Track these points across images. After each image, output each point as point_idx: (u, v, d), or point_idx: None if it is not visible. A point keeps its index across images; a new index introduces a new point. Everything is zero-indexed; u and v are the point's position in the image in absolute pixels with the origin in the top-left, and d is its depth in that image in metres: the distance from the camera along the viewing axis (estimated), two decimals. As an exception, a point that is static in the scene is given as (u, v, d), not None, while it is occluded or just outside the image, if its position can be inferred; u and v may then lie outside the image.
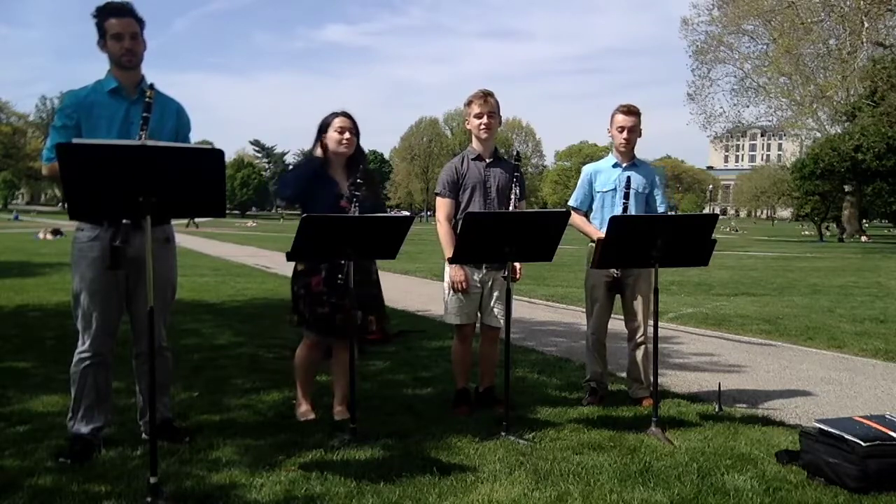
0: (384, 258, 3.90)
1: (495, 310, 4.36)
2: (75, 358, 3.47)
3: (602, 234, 4.31)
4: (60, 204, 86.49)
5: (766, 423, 4.14)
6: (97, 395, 3.47)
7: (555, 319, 8.84)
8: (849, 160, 35.99)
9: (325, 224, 3.63)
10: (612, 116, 4.71)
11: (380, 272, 4.28)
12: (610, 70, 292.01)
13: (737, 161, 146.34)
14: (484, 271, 4.32)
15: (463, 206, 4.32)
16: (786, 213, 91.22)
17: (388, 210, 4.47)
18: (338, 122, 4.06)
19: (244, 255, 21.88)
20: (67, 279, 4.99)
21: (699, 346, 7.04)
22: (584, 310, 4.93)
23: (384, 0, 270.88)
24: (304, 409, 4.14)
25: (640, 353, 4.68)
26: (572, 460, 3.42)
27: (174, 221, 3.66)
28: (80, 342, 3.47)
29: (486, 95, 4.31)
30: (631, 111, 4.66)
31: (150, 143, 3.05)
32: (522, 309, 9.09)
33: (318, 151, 4.10)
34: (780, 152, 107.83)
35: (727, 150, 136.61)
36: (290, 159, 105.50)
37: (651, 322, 4.27)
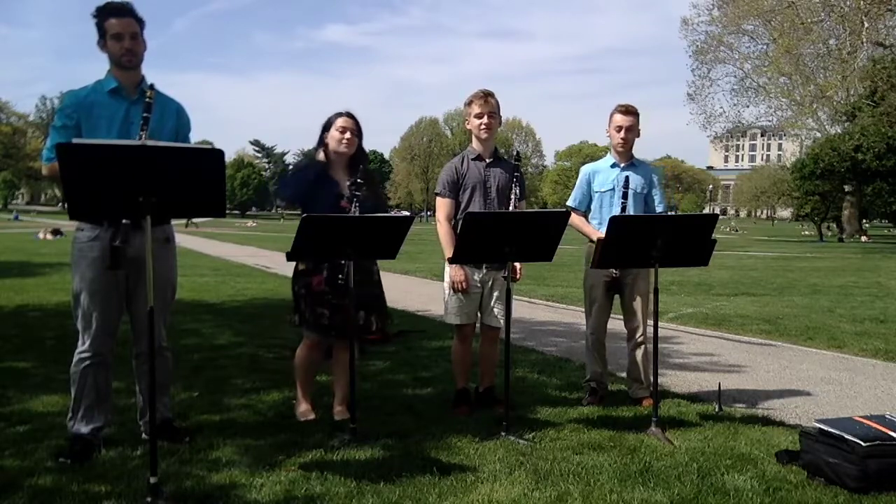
0: (384, 258, 3.90)
1: (495, 310, 4.36)
2: (75, 358, 3.47)
3: (601, 234, 4.32)
4: (60, 204, 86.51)
5: (766, 423, 4.14)
6: (97, 395, 3.47)
7: (555, 319, 8.84)
8: (849, 160, 36.00)
9: (325, 224, 3.63)
10: (611, 116, 4.71)
11: (380, 272, 4.28)
12: (610, 70, 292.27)
13: (737, 161, 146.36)
14: (484, 271, 4.32)
15: (463, 206, 4.32)
16: (786, 213, 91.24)
17: (390, 210, 4.45)
18: (340, 122, 4.08)
19: (244, 255, 21.89)
20: (67, 279, 4.99)
21: (699, 346, 7.04)
22: (584, 310, 4.93)
23: (384, 0, 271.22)
24: (303, 409, 4.14)
25: (639, 353, 4.68)
26: (572, 460, 3.42)
27: (174, 221, 3.66)
28: (80, 342, 3.47)
29: (486, 96, 4.31)
30: (629, 111, 4.66)
31: (151, 143, 3.05)
32: (522, 309, 9.09)
33: (321, 155, 4.11)
34: (780, 152, 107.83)
35: (727, 150, 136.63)
36: (290, 159, 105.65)
37: (650, 322, 4.27)
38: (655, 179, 4.80)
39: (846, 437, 3.14)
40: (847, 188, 43.82)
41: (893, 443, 3.13)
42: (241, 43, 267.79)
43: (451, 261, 4.09)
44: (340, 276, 3.82)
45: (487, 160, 4.37)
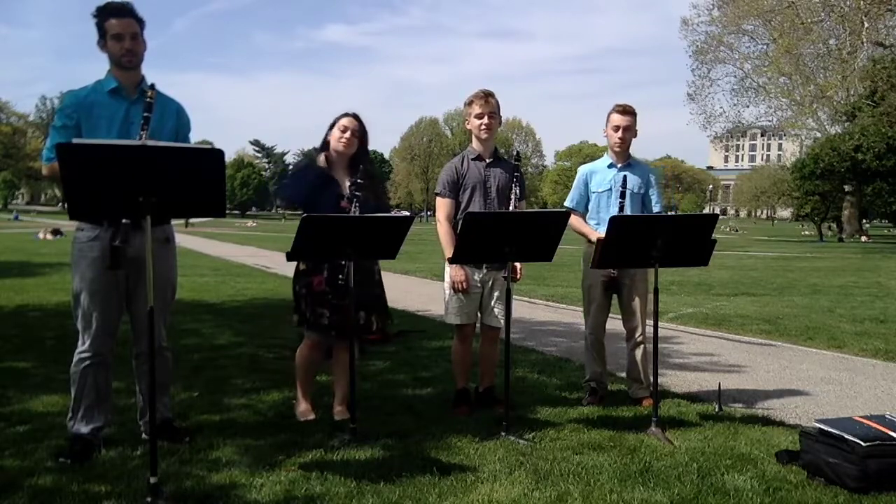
0: (384, 258, 3.91)
1: (495, 310, 4.36)
2: (75, 358, 3.47)
3: (600, 234, 4.32)
4: (60, 204, 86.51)
5: (766, 423, 4.14)
6: (97, 395, 3.47)
7: (555, 319, 8.84)
8: (849, 160, 35.99)
9: (325, 224, 3.63)
10: (608, 116, 4.71)
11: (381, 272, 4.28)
12: (610, 70, 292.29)
13: (737, 161, 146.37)
14: (484, 271, 4.32)
15: (463, 206, 4.32)
16: (786, 213, 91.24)
17: (391, 210, 4.44)
18: (343, 122, 4.09)
19: (244, 255, 21.89)
20: (67, 279, 4.99)
21: (699, 346, 7.04)
22: (583, 310, 4.93)
23: (384, 0, 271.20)
24: (303, 409, 4.14)
25: (639, 353, 4.68)
26: (572, 460, 3.42)
27: (173, 222, 3.66)
28: (80, 342, 3.47)
29: (486, 96, 4.31)
30: (626, 111, 4.66)
31: (151, 143, 3.05)
32: (522, 309, 9.09)
33: (321, 159, 4.09)
34: (780, 152, 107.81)
35: (727, 150, 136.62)
36: (290, 159, 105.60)
37: (649, 322, 4.27)
38: (653, 179, 4.80)
39: (846, 437, 3.14)
40: (847, 188, 43.83)
41: (893, 443, 3.13)
42: (241, 43, 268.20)
43: (452, 261, 4.09)
44: (341, 276, 3.82)
45: (487, 160, 4.37)
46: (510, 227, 3.88)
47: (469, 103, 4.37)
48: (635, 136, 4.72)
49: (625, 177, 4.58)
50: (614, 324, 4.87)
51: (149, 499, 2.78)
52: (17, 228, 44.79)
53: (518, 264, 4.30)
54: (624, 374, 4.92)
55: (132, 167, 2.75)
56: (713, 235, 4.05)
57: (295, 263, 3.98)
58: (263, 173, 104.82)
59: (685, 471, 3.28)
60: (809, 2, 29.33)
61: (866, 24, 27.76)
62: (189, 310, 8.57)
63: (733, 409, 4.51)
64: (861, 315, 9.19)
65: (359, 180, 3.91)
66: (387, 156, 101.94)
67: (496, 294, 4.35)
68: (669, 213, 5.12)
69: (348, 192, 3.97)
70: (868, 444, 3.08)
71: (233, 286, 12.11)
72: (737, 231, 67.45)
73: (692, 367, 5.99)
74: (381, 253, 3.90)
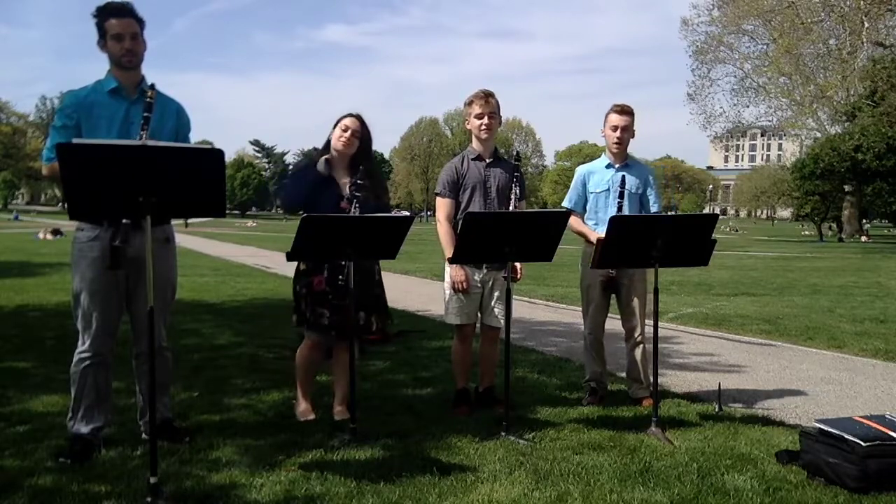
0: (384, 258, 3.91)
1: (496, 310, 4.36)
2: (75, 358, 3.47)
3: (600, 235, 4.32)
4: (60, 204, 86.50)
5: (766, 423, 4.14)
6: (97, 395, 3.47)
7: (555, 319, 8.84)
8: (849, 160, 35.99)
9: (325, 224, 3.63)
10: (606, 116, 4.71)
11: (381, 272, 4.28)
12: (610, 70, 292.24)
13: (737, 161, 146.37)
14: (484, 271, 4.32)
15: (463, 206, 4.32)
16: (786, 213, 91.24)
17: (392, 210, 4.43)
18: (344, 121, 4.09)
19: (244, 255, 21.89)
20: (67, 279, 4.99)
21: (699, 346, 7.04)
22: (581, 310, 4.93)
23: (384, 0, 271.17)
24: (303, 409, 4.14)
25: (638, 353, 4.68)
26: (572, 460, 3.42)
27: (173, 221, 3.66)
28: (80, 342, 3.47)
29: (486, 96, 4.31)
30: (624, 111, 4.66)
31: (151, 143, 3.05)
32: (522, 309, 9.09)
33: (322, 165, 4.07)
34: (780, 152, 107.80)
35: (727, 150, 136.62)
36: (290, 159, 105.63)
37: (648, 321, 4.27)
38: (650, 179, 4.80)
39: (846, 437, 3.14)
40: (847, 188, 43.83)
41: (893, 443, 3.13)
42: (241, 43, 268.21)
43: (452, 261, 4.09)
44: (340, 277, 3.82)
45: (487, 160, 4.37)
46: (510, 227, 3.87)
47: (469, 103, 4.37)
48: (633, 136, 4.72)
49: (623, 177, 4.58)
50: (614, 324, 4.87)
51: (149, 499, 2.78)
52: (17, 228, 44.80)
53: (518, 264, 4.30)
54: (624, 374, 4.92)
55: (132, 167, 2.75)
56: (713, 235, 4.05)
57: (295, 263, 3.98)
58: (263, 173, 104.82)
59: (685, 471, 3.28)
60: (809, 2, 29.34)
61: (866, 24, 27.76)
62: (189, 310, 8.57)
63: (733, 409, 4.51)
64: (861, 315, 9.19)
65: (358, 181, 3.91)
66: (387, 156, 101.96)
67: (496, 294, 4.34)
68: (669, 213, 5.11)
69: (348, 192, 3.97)
70: (868, 444, 3.08)
71: (233, 286, 12.12)
72: (737, 231, 67.46)
73: (692, 367, 5.99)
74: (381, 253, 3.90)
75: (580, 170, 4.90)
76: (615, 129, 4.64)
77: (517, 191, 4.28)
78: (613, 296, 4.76)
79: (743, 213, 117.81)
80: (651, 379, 4.23)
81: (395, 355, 5.99)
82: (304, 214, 3.54)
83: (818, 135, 38.16)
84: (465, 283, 4.22)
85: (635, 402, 4.60)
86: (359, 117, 4.12)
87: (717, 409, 4.39)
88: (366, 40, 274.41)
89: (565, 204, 4.85)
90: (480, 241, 3.85)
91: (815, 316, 9.12)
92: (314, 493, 2.97)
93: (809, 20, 29.22)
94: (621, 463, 3.40)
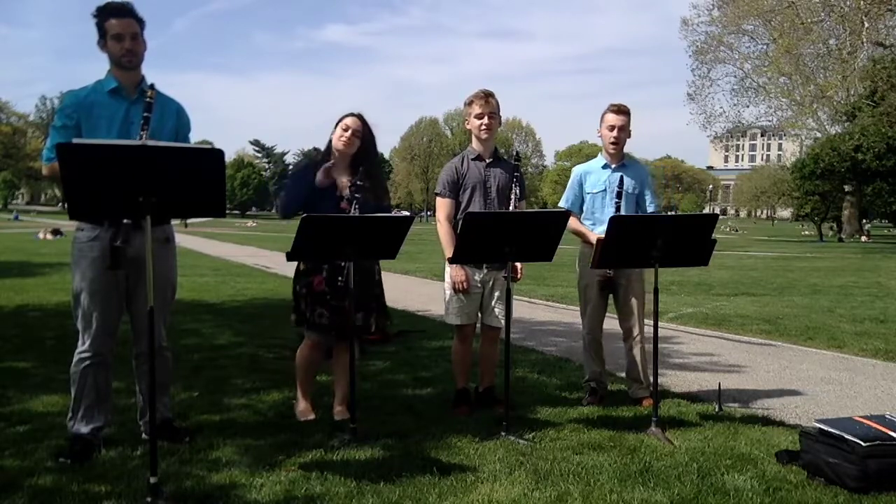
0: (384, 258, 3.90)
1: (496, 310, 4.36)
2: (75, 358, 3.47)
3: (598, 235, 4.31)
4: (60, 204, 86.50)
5: (766, 423, 4.14)
6: (97, 395, 3.47)
7: (555, 319, 8.84)
8: (849, 160, 35.99)
9: (325, 224, 3.63)
10: (602, 116, 4.71)
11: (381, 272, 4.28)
12: (610, 70, 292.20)
13: (737, 161, 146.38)
14: (485, 271, 4.32)
15: (463, 206, 4.32)
16: (786, 213, 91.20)
17: (392, 210, 4.42)
18: (346, 121, 4.09)
19: (244, 255, 21.88)
20: (67, 279, 4.99)
21: (699, 346, 7.04)
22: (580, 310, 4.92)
23: (384, 0, 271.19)
24: (303, 409, 4.14)
25: (637, 353, 4.68)
26: (572, 460, 3.42)
27: (173, 221, 3.66)
28: (80, 342, 3.47)
29: (486, 96, 4.31)
30: (621, 110, 4.66)
31: (151, 143, 3.05)
32: (522, 309, 9.09)
33: (321, 177, 4.03)
34: (780, 152, 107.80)
35: (727, 150, 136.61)
36: (290, 159, 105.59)
37: (647, 321, 4.26)
38: (647, 179, 4.80)
39: (846, 437, 3.14)
40: (847, 188, 43.83)
41: (893, 443, 3.13)
42: (241, 43, 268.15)
43: (452, 261, 4.09)
44: (340, 277, 3.82)
45: (487, 160, 4.37)
46: (510, 227, 3.87)
47: (469, 103, 4.37)
48: (629, 136, 4.71)
49: (621, 177, 4.58)
50: (613, 324, 4.87)
51: (149, 499, 2.78)
52: (17, 228, 44.79)
53: (518, 264, 4.30)
54: (623, 374, 4.92)
55: (132, 167, 2.75)
56: (713, 235, 4.05)
57: (295, 263, 3.98)
58: (263, 173, 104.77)
59: (685, 471, 3.28)
60: (809, 2, 29.33)
61: (866, 24, 27.76)
62: (189, 310, 8.57)
63: (733, 409, 4.51)
64: (861, 315, 9.19)
65: (358, 182, 3.90)
66: (387, 156, 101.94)
67: (496, 294, 4.34)
68: (669, 213, 5.11)
69: (348, 192, 3.97)
70: (868, 444, 3.08)
71: (233, 286, 12.12)
72: (737, 231, 67.45)
73: (692, 367, 5.99)
74: (381, 253, 3.90)
75: (576, 170, 4.89)
76: (612, 128, 4.64)
77: (517, 191, 4.28)
78: (612, 296, 4.76)
79: (743, 213, 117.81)
80: (651, 379, 4.23)
81: (395, 355, 5.99)
82: (305, 214, 3.54)
83: (818, 135, 38.16)
84: (465, 284, 4.22)
85: (635, 402, 4.60)
86: (360, 117, 4.11)
87: (717, 409, 4.39)
88: (366, 40, 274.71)
89: (562, 204, 4.84)
90: (480, 241, 3.85)
91: (815, 316, 9.12)
92: (314, 493, 2.97)
93: (809, 20, 29.22)
94: (621, 463, 3.40)
